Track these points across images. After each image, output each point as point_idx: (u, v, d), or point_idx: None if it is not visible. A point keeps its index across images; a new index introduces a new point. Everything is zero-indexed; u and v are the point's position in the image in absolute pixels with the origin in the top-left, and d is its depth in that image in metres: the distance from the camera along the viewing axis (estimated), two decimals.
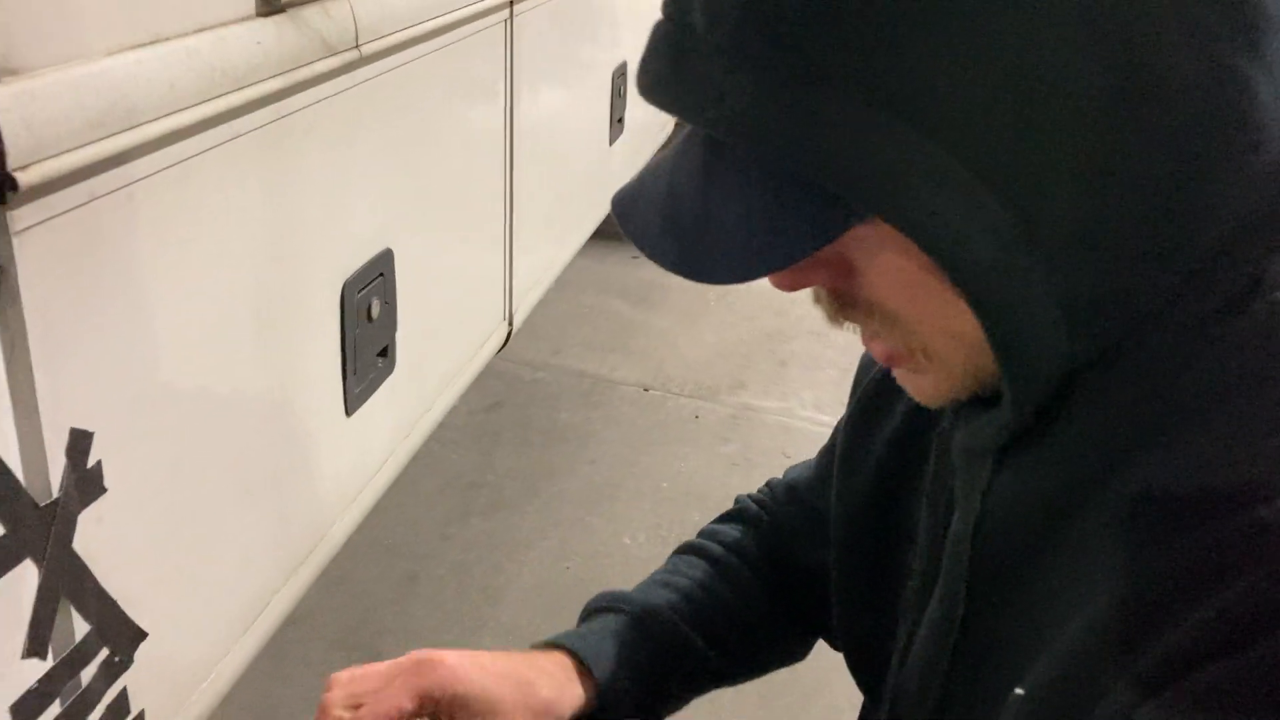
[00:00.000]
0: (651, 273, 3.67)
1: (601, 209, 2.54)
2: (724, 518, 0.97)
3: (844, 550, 0.77)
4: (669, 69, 0.49)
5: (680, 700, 0.87)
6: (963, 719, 0.61)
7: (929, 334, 0.51)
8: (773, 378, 3.02)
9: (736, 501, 0.99)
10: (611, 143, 2.48)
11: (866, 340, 0.56)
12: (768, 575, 0.91)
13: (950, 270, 0.46)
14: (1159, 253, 0.47)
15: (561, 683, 0.76)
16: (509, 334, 1.92)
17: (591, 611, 0.86)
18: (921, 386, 0.56)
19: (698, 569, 0.90)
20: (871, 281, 0.51)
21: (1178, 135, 0.45)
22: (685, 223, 0.50)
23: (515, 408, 2.89)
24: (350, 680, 0.71)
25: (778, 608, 0.91)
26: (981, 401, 0.55)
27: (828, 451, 0.88)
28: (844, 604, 0.78)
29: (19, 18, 0.72)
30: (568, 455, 2.68)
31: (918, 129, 0.44)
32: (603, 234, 2.56)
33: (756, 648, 0.91)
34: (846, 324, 0.55)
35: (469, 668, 0.72)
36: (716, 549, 0.91)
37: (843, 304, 0.54)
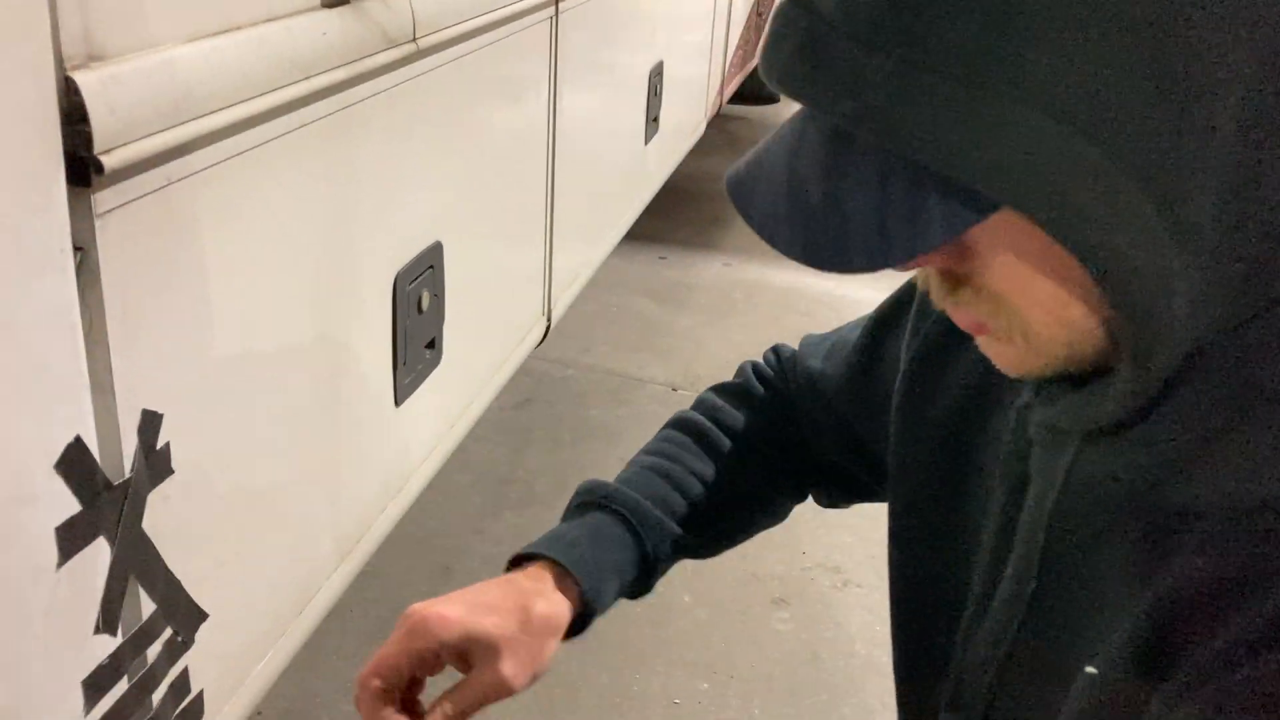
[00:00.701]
0: (678, 273, 3.69)
1: (636, 208, 2.55)
2: (726, 391, 0.96)
3: (905, 508, 0.76)
4: (799, 58, 0.48)
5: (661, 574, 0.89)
6: (1023, 693, 0.61)
7: (1037, 319, 0.51)
8: None
9: (739, 372, 0.97)
10: (647, 141, 2.49)
11: (951, 309, 0.56)
12: (769, 459, 0.91)
13: (1094, 267, 0.46)
14: None
15: (552, 595, 0.77)
16: (547, 329, 1.93)
17: (578, 505, 0.87)
18: (1007, 357, 0.56)
19: (694, 456, 0.90)
20: (989, 266, 0.51)
21: None
22: (813, 213, 0.50)
23: (545, 405, 2.90)
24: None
25: (773, 489, 0.92)
26: (1067, 379, 0.55)
27: (860, 357, 0.86)
28: (904, 565, 0.77)
29: (103, 4, 0.74)
30: (597, 452, 2.69)
31: (1064, 124, 0.43)
32: (631, 234, 2.57)
33: (746, 529, 0.93)
34: (949, 301, 0.55)
35: (460, 613, 0.73)
36: (718, 436, 0.91)
37: (954, 285, 0.54)
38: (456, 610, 0.73)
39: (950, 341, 0.72)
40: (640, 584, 0.86)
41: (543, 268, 1.86)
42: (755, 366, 0.97)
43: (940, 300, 0.55)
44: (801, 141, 0.51)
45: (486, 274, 1.59)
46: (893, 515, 0.77)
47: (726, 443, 0.91)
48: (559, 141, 1.81)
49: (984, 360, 0.61)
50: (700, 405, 0.95)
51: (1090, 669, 0.52)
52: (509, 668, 0.73)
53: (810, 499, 0.97)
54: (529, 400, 2.90)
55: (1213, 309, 0.48)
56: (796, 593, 2.28)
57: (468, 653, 0.73)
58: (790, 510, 0.96)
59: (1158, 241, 0.45)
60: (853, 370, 0.86)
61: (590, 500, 0.86)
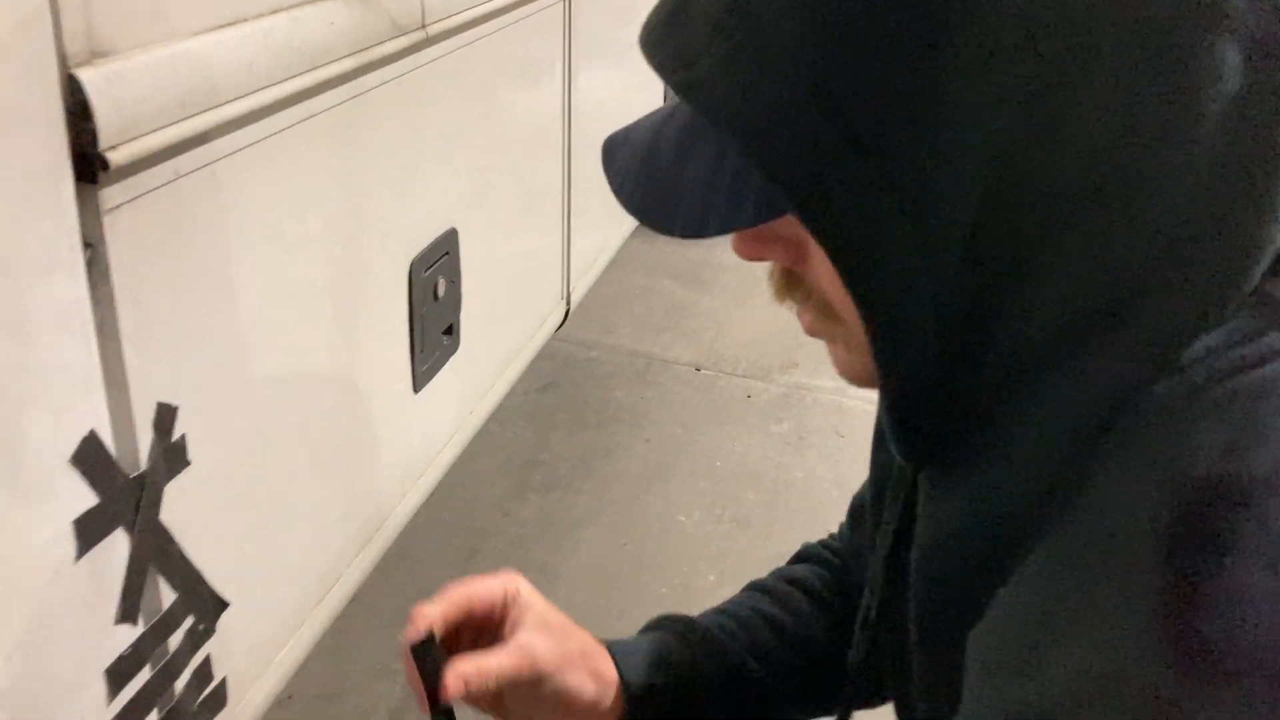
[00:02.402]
0: (702, 253, 3.67)
1: None
2: (792, 559, 0.97)
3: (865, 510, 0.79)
4: (662, 25, 0.52)
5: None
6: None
7: (854, 325, 0.52)
8: (825, 357, 2.93)
9: (804, 547, 0.99)
10: None
11: (800, 314, 0.59)
12: (831, 605, 0.91)
13: (845, 276, 0.48)
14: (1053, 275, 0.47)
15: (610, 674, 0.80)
16: (567, 313, 1.93)
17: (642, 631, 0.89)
18: (841, 363, 0.59)
19: (755, 599, 0.91)
20: (817, 270, 0.53)
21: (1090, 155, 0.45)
22: (658, 177, 0.53)
23: (570, 387, 2.90)
24: None
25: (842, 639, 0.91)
26: None
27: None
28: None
29: (106, 1, 0.74)
30: (622, 434, 2.70)
31: (843, 141, 0.46)
32: None
33: (811, 666, 0.89)
34: (787, 301, 0.58)
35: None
36: (778, 583, 0.92)
37: (788, 284, 0.57)
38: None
39: None
40: (692, 698, 0.85)
41: (561, 251, 1.86)
42: (821, 541, 0.99)
43: (778, 297, 0.59)
44: (673, 114, 0.54)
45: (504, 259, 1.59)
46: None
47: (784, 585, 0.92)
48: (575, 124, 1.80)
49: None
50: (770, 574, 0.96)
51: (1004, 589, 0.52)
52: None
53: None
54: (553, 383, 2.90)
55: (956, 331, 0.49)
56: None
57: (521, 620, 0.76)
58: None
59: (907, 251, 0.47)
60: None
61: (645, 627, 0.88)
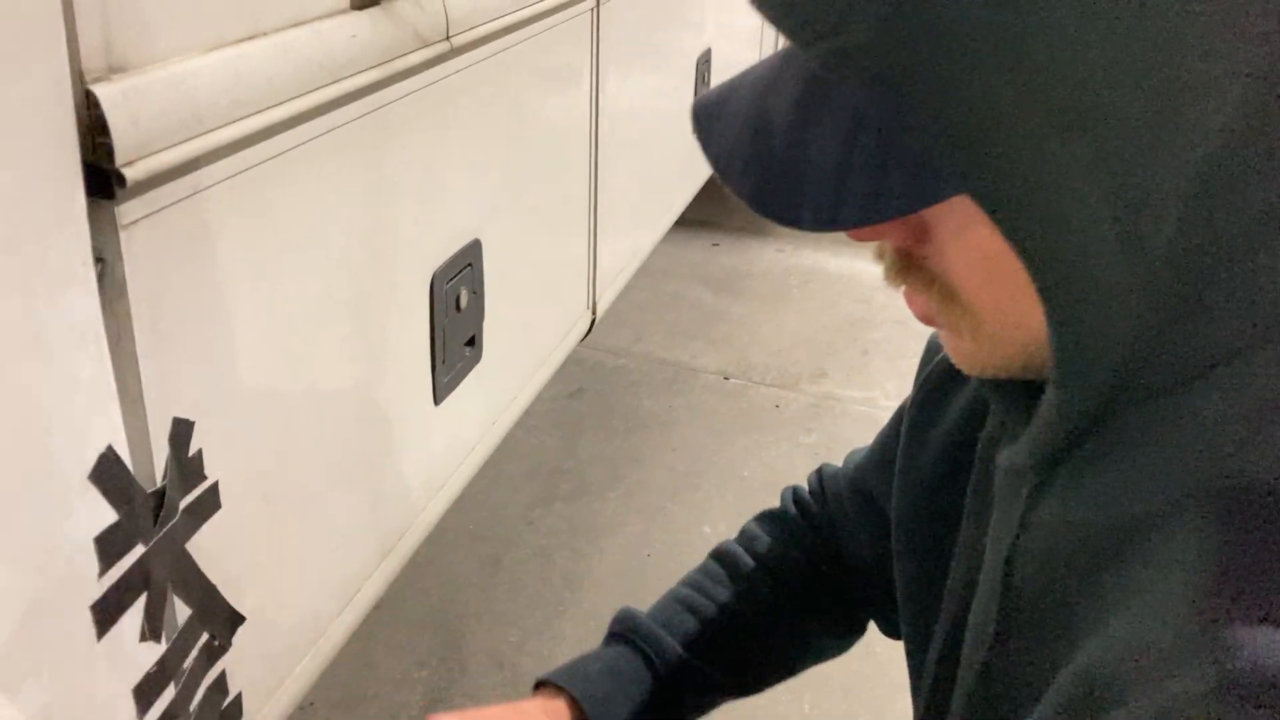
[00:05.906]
0: (733, 260, 3.66)
1: (685, 197, 2.53)
2: (765, 518, 0.97)
3: (901, 546, 0.76)
4: None
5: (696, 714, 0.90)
6: None
7: (988, 318, 0.48)
8: (855, 367, 2.98)
9: (781, 498, 0.99)
10: None
11: (909, 296, 0.53)
12: (796, 587, 0.91)
13: (1034, 271, 0.43)
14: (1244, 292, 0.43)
15: None
16: (592, 322, 1.92)
17: (608, 636, 0.90)
18: (961, 352, 0.53)
19: (724, 588, 0.91)
20: (946, 255, 0.47)
21: None
22: (773, 157, 0.46)
23: (597, 395, 2.89)
24: None
25: (809, 616, 0.92)
26: (1028, 411, 0.51)
27: (887, 434, 0.87)
28: (902, 600, 0.77)
29: (124, 15, 0.74)
30: (650, 443, 2.68)
31: (1048, 116, 0.39)
32: (683, 221, 2.55)
33: (779, 663, 0.93)
34: (902, 286, 0.52)
35: None
36: (747, 563, 0.93)
37: (906, 267, 0.50)
38: None
39: (946, 385, 0.72)
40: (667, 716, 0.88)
41: (587, 261, 1.85)
42: (795, 491, 0.98)
43: (891, 280, 0.52)
44: (778, 80, 0.48)
45: (528, 269, 1.59)
46: (894, 536, 0.77)
47: (755, 570, 0.93)
48: (603, 134, 1.79)
49: (974, 406, 0.61)
50: (740, 535, 0.97)
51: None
52: None
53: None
54: (581, 390, 2.90)
55: (1151, 340, 0.44)
56: None
57: None
58: (839, 645, 0.95)
59: (1105, 263, 0.42)
60: (880, 449, 0.87)
61: (617, 631, 0.90)
